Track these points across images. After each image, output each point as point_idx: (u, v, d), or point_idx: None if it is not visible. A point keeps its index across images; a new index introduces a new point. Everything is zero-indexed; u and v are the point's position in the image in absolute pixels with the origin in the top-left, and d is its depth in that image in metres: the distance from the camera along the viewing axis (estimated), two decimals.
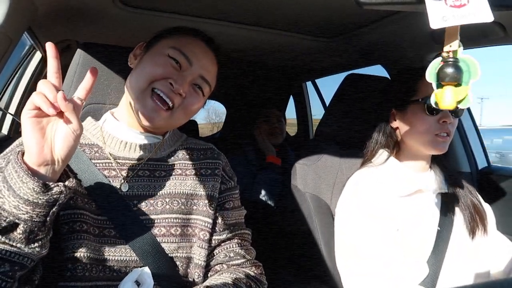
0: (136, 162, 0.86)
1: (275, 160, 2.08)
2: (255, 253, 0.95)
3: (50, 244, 0.72)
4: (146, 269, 0.67)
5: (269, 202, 1.94)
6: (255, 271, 0.90)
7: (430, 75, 0.62)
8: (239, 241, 0.91)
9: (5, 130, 1.53)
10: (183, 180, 0.87)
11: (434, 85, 0.62)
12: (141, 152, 0.87)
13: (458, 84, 0.59)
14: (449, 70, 0.58)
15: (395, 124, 1.18)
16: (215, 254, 0.88)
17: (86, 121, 0.91)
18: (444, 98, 0.59)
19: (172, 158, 0.90)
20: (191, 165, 0.90)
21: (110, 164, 0.83)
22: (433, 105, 0.63)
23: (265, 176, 2.00)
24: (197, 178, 0.88)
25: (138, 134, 0.88)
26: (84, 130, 0.87)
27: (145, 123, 0.83)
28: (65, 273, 0.71)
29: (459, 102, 0.60)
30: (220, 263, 0.88)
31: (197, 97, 0.88)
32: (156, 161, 0.88)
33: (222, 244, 0.89)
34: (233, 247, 0.89)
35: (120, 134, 0.87)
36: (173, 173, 0.87)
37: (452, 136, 1.10)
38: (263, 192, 1.97)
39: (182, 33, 0.90)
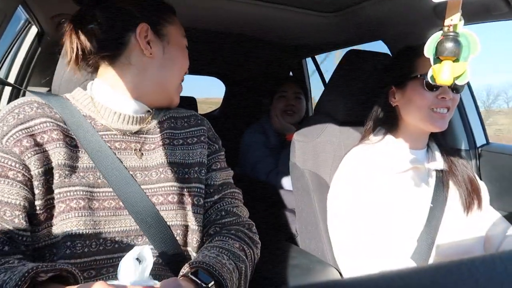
0: (128, 133, 0.87)
1: None
2: (247, 212, 0.96)
3: (47, 223, 0.73)
4: (147, 247, 0.67)
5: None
6: (247, 230, 0.91)
7: (429, 49, 0.61)
8: (230, 199, 0.93)
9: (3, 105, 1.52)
10: (172, 150, 0.89)
11: (431, 60, 0.61)
12: (133, 124, 0.88)
13: (456, 59, 0.58)
14: (449, 45, 0.57)
15: (395, 101, 1.18)
16: (207, 215, 0.90)
17: (76, 91, 0.89)
18: (442, 73, 0.58)
19: (158, 129, 0.91)
20: (177, 135, 0.92)
21: (105, 136, 0.83)
22: (429, 80, 0.62)
23: (286, 158, 1.84)
24: (185, 148, 0.91)
25: (133, 101, 0.87)
26: (75, 100, 0.86)
27: (174, 105, 0.97)
28: (64, 251, 0.71)
29: (456, 77, 0.59)
30: (213, 223, 0.89)
31: None
32: (145, 134, 0.89)
33: (214, 204, 0.91)
34: (223, 205, 0.91)
35: (113, 104, 0.86)
36: (162, 144, 0.89)
37: (452, 112, 1.10)
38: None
39: (173, 13, 0.93)
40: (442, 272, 0.24)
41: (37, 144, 0.74)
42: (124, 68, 0.87)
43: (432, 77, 0.61)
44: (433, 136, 1.20)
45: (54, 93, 1.02)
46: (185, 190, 0.86)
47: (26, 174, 0.72)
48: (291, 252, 1.25)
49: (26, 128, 0.74)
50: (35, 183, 0.72)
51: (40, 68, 1.71)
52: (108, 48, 0.86)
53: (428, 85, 1.08)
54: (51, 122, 0.78)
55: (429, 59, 1.11)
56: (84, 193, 0.75)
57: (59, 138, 0.76)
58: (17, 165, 0.72)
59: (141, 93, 0.88)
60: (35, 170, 0.72)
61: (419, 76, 1.10)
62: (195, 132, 0.94)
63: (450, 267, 0.25)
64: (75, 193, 0.74)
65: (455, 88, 1.08)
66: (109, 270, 0.76)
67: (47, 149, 0.75)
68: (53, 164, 0.74)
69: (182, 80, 0.96)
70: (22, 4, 1.18)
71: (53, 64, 1.00)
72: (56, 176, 0.74)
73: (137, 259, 0.66)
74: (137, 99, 0.88)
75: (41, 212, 0.72)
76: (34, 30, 1.57)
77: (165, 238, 0.80)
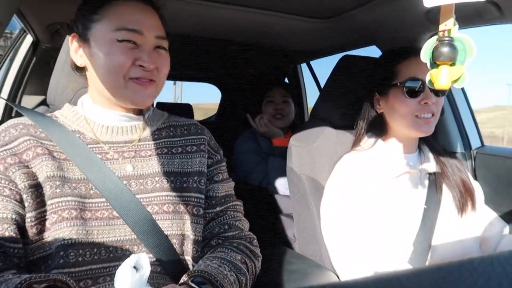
0: (121, 145, 0.86)
1: (281, 143, 1.89)
2: (248, 225, 0.96)
3: (41, 235, 0.73)
4: (143, 255, 0.67)
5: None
6: (249, 244, 0.91)
7: (425, 54, 0.61)
8: (232, 212, 0.92)
9: None
10: (170, 159, 0.88)
11: (428, 65, 0.61)
12: (123, 135, 0.87)
13: (453, 64, 0.59)
14: (444, 49, 0.57)
15: (380, 108, 1.18)
16: (209, 227, 0.89)
17: (64, 108, 0.89)
18: (440, 77, 0.58)
19: (156, 137, 0.90)
20: (176, 143, 0.91)
21: (95, 148, 0.83)
22: (428, 85, 0.62)
23: (274, 163, 1.84)
24: (183, 156, 0.89)
25: (120, 116, 0.87)
26: (63, 117, 0.87)
27: (139, 106, 0.86)
28: (58, 261, 0.71)
29: (454, 81, 0.59)
30: (215, 236, 0.89)
31: (164, 57, 0.86)
32: (140, 142, 0.88)
33: (216, 217, 0.90)
34: (226, 219, 0.91)
35: (101, 118, 0.86)
36: (159, 152, 0.88)
37: (437, 116, 1.10)
38: (281, 180, 1.80)
39: (100, 6, 0.81)
40: (442, 273, 0.25)
41: (22, 161, 0.75)
42: (88, 81, 0.88)
43: (430, 81, 0.61)
44: (424, 139, 1.20)
45: (49, 101, 1.02)
46: (183, 199, 0.85)
47: (13, 188, 0.72)
48: (289, 257, 1.24)
49: (10, 148, 0.76)
50: (24, 196, 0.73)
51: (36, 77, 1.71)
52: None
53: (409, 92, 1.07)
54: (34, 139, 0.78)
55: (409, 64, 1.13)
56: (76, 203, 0.75)
57: (44, 152, 0.77)
58: (2, 181, 0.73)
59: (107, 100, 0.86)
60: (22, 183, 0.73)
61: (398, 84, 1.09)
62: (195, 141, 0.92)
63: (449, 268, 0.25)
64: (67, 203, 0.74)
65: (439, 92, 1.07)
66: (105, 279, 0.75)
67: (33, 165, 0.76)
68: (42, 178, 0.75)
69: (140, 78, 0.82)
70: (17, 13, 1.18)
71: (48, 72, 1.00)
72: (47, 188, 0.75)
73: (134, 267, 0.65)
74: (111, 108, 0.86)
75: (34, 224, 0.73)
76: (29, 38, 1.57)
77: (163, 246, 0.80)
